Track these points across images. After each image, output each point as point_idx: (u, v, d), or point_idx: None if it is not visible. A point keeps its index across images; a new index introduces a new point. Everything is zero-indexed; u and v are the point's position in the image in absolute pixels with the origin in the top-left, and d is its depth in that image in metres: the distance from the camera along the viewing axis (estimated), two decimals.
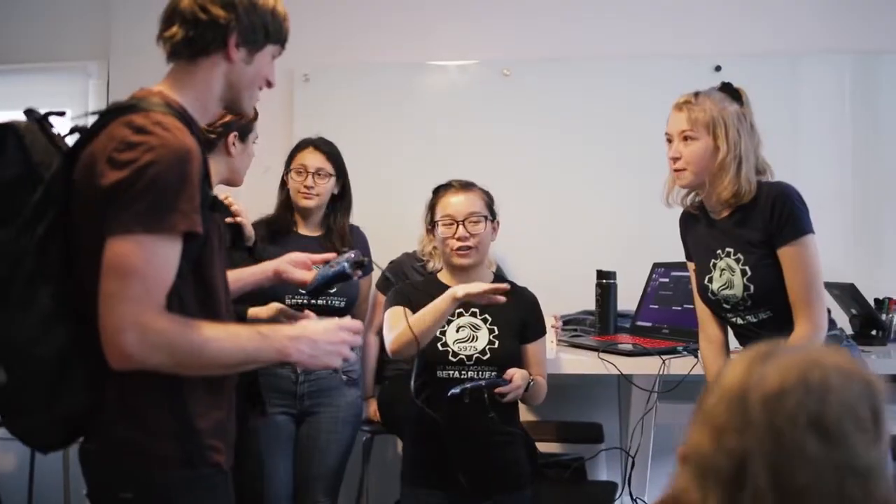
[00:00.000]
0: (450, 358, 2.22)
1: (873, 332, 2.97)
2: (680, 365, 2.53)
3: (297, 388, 2.67)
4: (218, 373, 1.39)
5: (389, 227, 3.21)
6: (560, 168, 3.55)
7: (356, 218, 2.88)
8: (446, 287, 2.25)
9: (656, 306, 3.03)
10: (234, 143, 2.30)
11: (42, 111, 1.40)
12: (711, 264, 2.17)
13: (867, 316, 3.01)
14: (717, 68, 3.42)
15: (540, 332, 2.35)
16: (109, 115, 1.34)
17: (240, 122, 2.24)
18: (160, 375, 1.29)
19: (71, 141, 1.41)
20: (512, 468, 2.27)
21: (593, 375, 2.71)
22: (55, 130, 1.40)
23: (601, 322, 3.05)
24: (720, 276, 2.15)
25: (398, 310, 2.21)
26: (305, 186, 2.74)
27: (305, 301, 2.55)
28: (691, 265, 2.30)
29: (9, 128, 1.35)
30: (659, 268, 3.10)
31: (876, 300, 3.08)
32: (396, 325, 2.14)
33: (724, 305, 2.16)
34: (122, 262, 1.25)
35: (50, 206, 1.32)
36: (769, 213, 2.05)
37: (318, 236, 2.80)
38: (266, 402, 2.27)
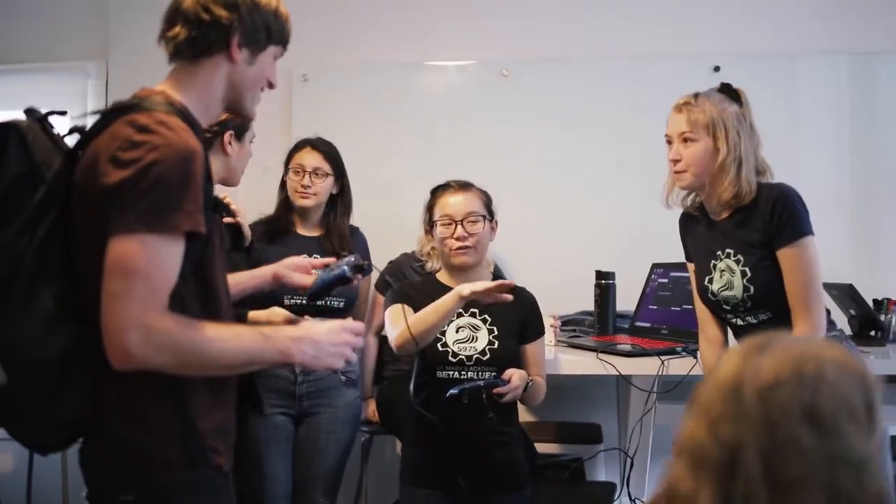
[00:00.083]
0: (450, 358, 2.22)
1: (872, 333, 2.98)
2: (679, 365, 2.53)
3: (295, 388, 2.66)
4: (220, 373, 1.39)
5: (389, 227, 3.21)
6: (559, 168, 3.55)
7: (355, 218, 2.88)
8: (445, 287, 2.26)
9: (655, 307, 3.03)
10: (230, 143, 2.30)
11: (42, 111, 1.40)
12: (711, 265, 2.17)
13: (866, 316, 3.01)
14: (716, 68, 3.42)
15: (539, 332, 2.36)
16: (112, 114, 1.34)
17: (235, 121, 2.24)
18: (162, 376, 1.29)
19: (70, 141, 1.40)
20: (510, 468, 2.27)
21: (592, 376, 2.71)
22: (55, 130, 1.39)
23: (600, 322, 3.05)
24: (720, 277, 2.15)
25: (400, 307, 2.20)
26: (302, 186, 2.74)
27: (304, 302, 2.55)
28: (691, 266, 2.30)
29: (11, 127, 1.34)
30: (658, 268, 3.10)
31: (875, 301, 3.09)
32: (400, 322, 2.14)
33: (724, 306, 2.16)
34: (125, 262, 1.24)
35: (52, 206, 1.31)
36: (769, 214, 2.05)
37: (318, 236, 2.80)
38: (263, 402, 2.27)
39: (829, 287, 2.82)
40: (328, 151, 2.79)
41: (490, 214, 2.33)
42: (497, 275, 2.81)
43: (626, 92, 3.50)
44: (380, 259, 2.99)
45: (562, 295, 3.12)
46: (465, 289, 2.08)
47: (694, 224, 2.26)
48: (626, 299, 3.09)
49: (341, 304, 2.70)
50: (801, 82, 3.51)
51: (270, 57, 1.49)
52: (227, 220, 2.24)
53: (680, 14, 3.54)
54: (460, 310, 2.23)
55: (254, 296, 2.04)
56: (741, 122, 2.11)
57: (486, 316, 2.27)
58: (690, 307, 2.40)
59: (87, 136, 1.36)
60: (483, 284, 2.09)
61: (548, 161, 3.55)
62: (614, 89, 3.53)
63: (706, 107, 2.10)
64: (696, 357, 2.47)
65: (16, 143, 1.33)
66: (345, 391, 2.73)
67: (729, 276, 2.13)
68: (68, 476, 3.26)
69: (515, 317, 2.27)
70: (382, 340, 3.10)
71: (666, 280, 3.04)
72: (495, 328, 2.26)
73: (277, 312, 2.16)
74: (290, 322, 1.87)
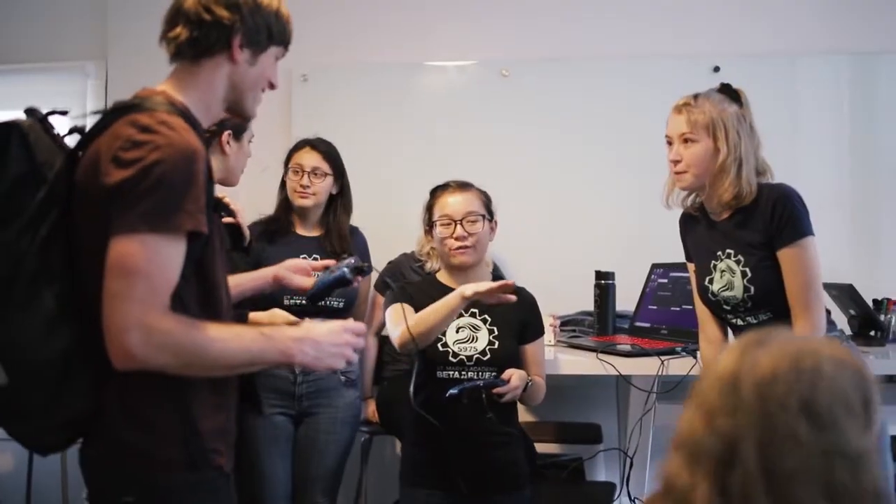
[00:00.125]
0: (450, 358, 2.22)
1: (872, 333, 2.98)
2: (678, 365, 2.52)
3: (295, 388, 2.66)
4: (222, 374, 1.39)
5: (389, 227, 3.20)
6: (559, 168, 3.55)
7: (355, 218, 2.88)
8: (445, 287, 2.26)
9: (655, 307, 3.03)
10: (228, 142, 2.29)
11: (43, 111, 1.40)
12: (712, 266, 2.17)
13: (866, 316, 3.01)
14: (716, 69, 3.42)
15: (539, 332, 2.35)
16: (113, 114, 1.33)
17: (233, 121, 2.24)
18: (163, 377, 1.29)
19: (69, 141, 1.40)
20: (510, 469, 2.26)
21: (592, 376, 2.71)
22: (56, 130, 1.39)
23: (600, 322, 3.05)
24: (720, 277, 2.15)
25: (400, 306, 2.20)
26: (301, 186, 2.74)
27: (303, 302, 2.55)
28: (691, 266, 2.30)
29: (13, 126, 1.34)
30: (658, 268, 3.10)
31: (874, 301, 3.09)
32: (401, 321, 2.13)
33: (725, 307, 2.16)
34: (126, 262, 1.24)
35: (53, 205, 1.31)
36: (770, 214, 2.05)
37: (317, 236, 2.80)
38: (262, 402, 2.27)
39: (828, 287, 2.82)
40: (327, 151, 2.79)
41: (489, 214, 2.33)
42: (497, 275, 2.81)
43: (625, 92, 3.50)
44: (379, 259, 2.99)
45: (561, 295, 3.12)
46: (468, 289, 2.08)
47: (694, 224, 2.26)
48: (626, 299, 3.09)
49: (341, 304, 2.70)
50: (801, 82, 3.51)
51: (272, 57, 1.49)
52: (227, 219, 2.24)
53: (680, 14, 3.54)
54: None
55: (254, 297, 2.04)
56: (741, 122, 2.11)
57: (486, 316, 2.27)
58: (690, 307, 2.40)
59: (88, 135, 1.35)
60: (486, 285, 2.09)
61: (548, 161, 3.55)
62: (614, 89, 3.53)
63: (706, 107, 2.10)
64: (695, 357, 2.47)
65: (17, 142, 1.33)
66: (344, 391, 2.73)
67: (729, 276, 2.13)
68: (68, 476, 3.26)
69: (515, 317, 2.26)
70: (382, 340, 3.10)
71: (666, 280, 3.04)
72: (495, 328, 2.26)
73: (278, 314, 2.16)
74: (291, 324, 1.87)
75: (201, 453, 1.36)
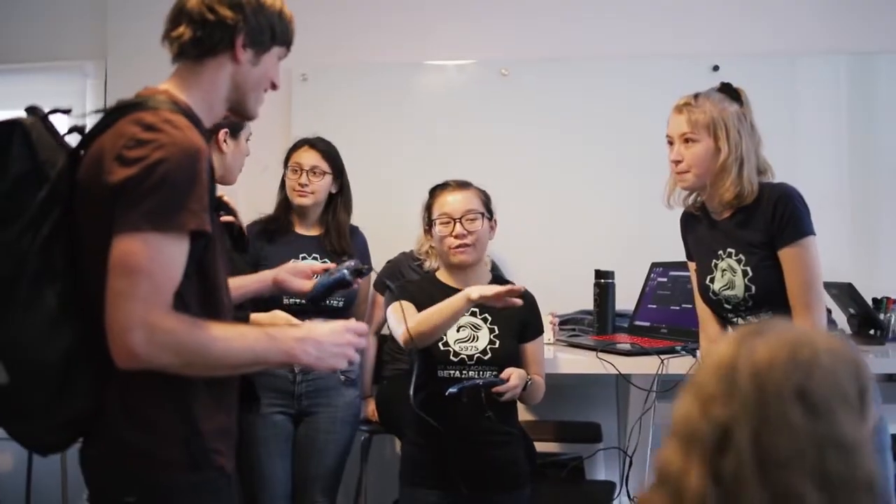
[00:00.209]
0: (451, 358, 2.22)
1: (871, 332, 2.98)
2: (678, 364, 2.53)
3: (294, 387, 2.66)
4: (225, 373, 1.39)
5: (388, 226, 3.21)
6: (559, 168, 3.55)
7: (355, 218, 2.88)
8: (446, 286, 2.26)
9: (654, 306, 3.03)
10: (224, 141, 2.29)
11: (44, 109, 1.39)
12: (713, 265, 2.17)
13: (865, 315, 3.01)
14: (716, 68, 3.42)
15: (538, 331, 2.36)
16: (116, 112, 1.33)
17: (230, 119, 2.24)
18: (165, 377, 1.29)
19: (69, 140, 1.40)
20: (510, 468, 2.27)
21: (591, 375, 2.72)
22: (57, 129, 1.39)
23: (599, 322, 3.05)
24: (722, 276, 2.15)
25: (401, 305, 2.20)
26: (300, 185, 2.74)
27: (303, 302, 2.54)
28: (692, 265, 2.30)
29: (15, 124, 1.33)
30: (657, 267, 3.11)
31: (874, 300, 3.09)
32: (407, 318, 2.13)
33: (726, 306, 2.17)
34: (129, 261, 1.23)
35: (55, 204, 1.31)
36: (771, 214, 2.05)
37: (317, 235, 2.80)
38: (260, 401, 2.26)
39: (828, 286, 2.82)
40: (326, 150, 2.80)
41: (489, 213, 2.33)
42: (494, 273, 2.80)
43: (626, 92, 3.50)
44: (379, 259, 2.99)
45: (561, 294, 3.12)
46: (474, 292, 2.07)
47: (695, 223, 2.26)
48: (626, 298, 3.09)
49: (341, 304, 2.70)
50: (800, 82, 3.52)
51: (274, 58, 1.49)
52: (228, 218, 2.24)
53: (680, 14, 3.54)
54: None
55: (253, 298, 2.04)
56: (742, 121, 2.11)
57: (486, 315, 2.27)
58: (690, 306, 2.40)
59: (91, 134, 1.35)
60: (493, 289, 2.08)
61: (548, 161, 3.55)
62: (614, 89, 3.53)
63: (706, 107, 2.10)
64: (695, 356, 2.47)
65: (20, 140, 1.32)
66: (344, 391, 2.73)
67: (730, 275, 2.13)
68: (68, 476, 3.25)
69: (516, 316, 2.26)
70: (382, 340, 3.10)
71: (665, 279, 3.05)
72: (496, 327, 2.26)
73: (280, 316, 2.16)
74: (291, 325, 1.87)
75: (203, 453, 1.35)
